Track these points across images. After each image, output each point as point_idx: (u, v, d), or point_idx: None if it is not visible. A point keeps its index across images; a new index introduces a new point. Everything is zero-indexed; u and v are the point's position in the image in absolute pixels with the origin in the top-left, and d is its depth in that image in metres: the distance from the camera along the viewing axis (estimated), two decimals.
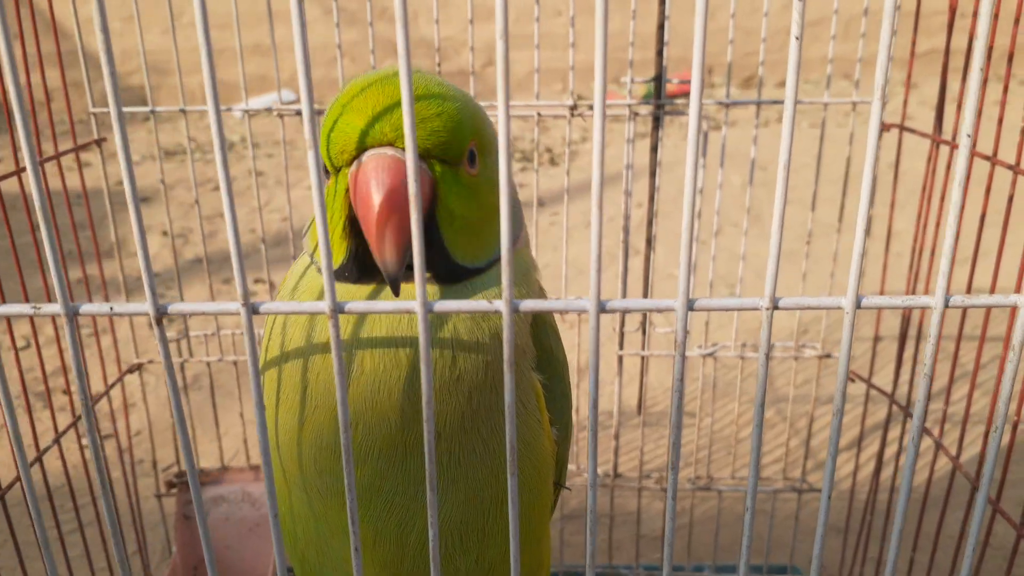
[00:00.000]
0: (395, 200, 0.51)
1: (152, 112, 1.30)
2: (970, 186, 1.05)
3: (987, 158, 0.95)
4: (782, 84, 5.69)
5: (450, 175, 0.57)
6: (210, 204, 3.65)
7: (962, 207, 0.43)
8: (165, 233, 3.32)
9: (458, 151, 0.56)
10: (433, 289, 0.59)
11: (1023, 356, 0.45)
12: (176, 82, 1.30)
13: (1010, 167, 0.91)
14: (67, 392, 2.21)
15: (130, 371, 1.41)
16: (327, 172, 0.58)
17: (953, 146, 0.99)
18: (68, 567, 1.14)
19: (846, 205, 1.27)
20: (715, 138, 4.35)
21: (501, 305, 0.44)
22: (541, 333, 0.70)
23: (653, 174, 1.29)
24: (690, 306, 0.44)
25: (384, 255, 0.52)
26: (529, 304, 0.45)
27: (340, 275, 0.59)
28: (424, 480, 0.61)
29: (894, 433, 1.66)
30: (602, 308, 0.45)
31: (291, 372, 0.62)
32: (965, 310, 1.05)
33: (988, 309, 0.96)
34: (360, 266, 0.58)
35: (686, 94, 4.71)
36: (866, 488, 1.67)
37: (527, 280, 0.66)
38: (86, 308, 0.49)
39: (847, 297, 0.44)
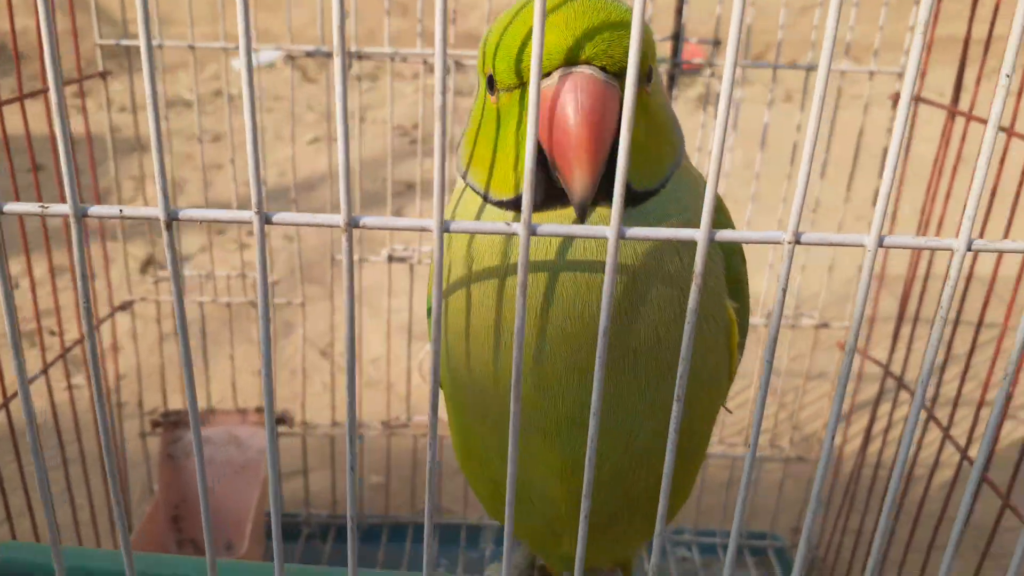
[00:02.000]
0: (594, 124, 0.49)
1: (159, 47, 1.28)
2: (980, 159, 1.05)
3: (1002, 129, 0.95)
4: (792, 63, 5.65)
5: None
6: (207, 155, 3.62)
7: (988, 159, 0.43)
8: None
9: (645, 70, 0.54)
10: (606, 212, 0.54)
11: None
12: (178, 32, 1.28)
13: None
14: (54, 333, 2.19)
15: (121, 308, 1.40)
16: (491, 87, 0.55)
17: (970, 117, 0.98)
18: (51, 503, 1.13)
19: (855, 176, 1.26)
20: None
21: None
22: (733, 259, 0.65)
23: None
24: (711, 237, 0.43)
25: (578, 182, 0.49)
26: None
27: (515, 203, 0.56)
28: (616, 407, 0.59)
29: (885, 408, 1.67)
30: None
31: (478, 300, 0.59)
32: (966, 292, 1.05)
33: (991, 284, 0.96)
34: (544, 192, 0.54)
35: (695, 70, 4.68)
36: (851, 462, 1.68)
37: (698, 201, 0.60)
38: (95, 210, 0.48)
39: (870, 235, 0.43)
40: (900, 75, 1.18)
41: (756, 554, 1.47)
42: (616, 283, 0.56)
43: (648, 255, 0.56)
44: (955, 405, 1.07)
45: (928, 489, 1.13)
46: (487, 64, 0.56)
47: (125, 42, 1.28)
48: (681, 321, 0.57)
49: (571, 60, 0.51)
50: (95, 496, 1.47)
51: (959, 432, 1.80)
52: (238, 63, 1.27)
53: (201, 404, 1.69)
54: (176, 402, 1.76)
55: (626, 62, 0.49)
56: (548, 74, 0.51)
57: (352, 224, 0.45)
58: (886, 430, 1.26)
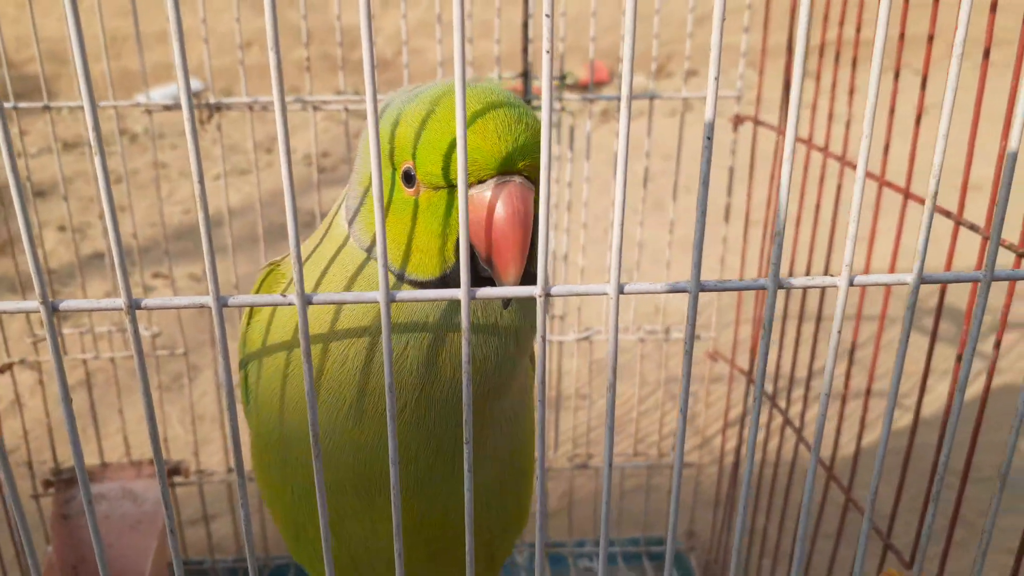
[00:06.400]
0: (527, 228, 0.57)
1: (47, 108, 1.30)
2: (809, 179, 1.18)
3: (820, 149, 1.07)
4: (692, 73, 5.87)
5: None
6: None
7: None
8: (63, 228, 3.23)
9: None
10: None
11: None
12: (69, 70, 1.30)
13: (838, 158, 1.04)
14: None
15: (0, 371, 1.37)
16: (409, 179, 0.61)
17: (811, 147, 1.11)
18: None
19: (733, 191, 1.33)
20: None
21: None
22: None
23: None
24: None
25: (511, 276, 0.58)
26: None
27: (438, 284, 0.63)
28: (460, 463, 0.68)
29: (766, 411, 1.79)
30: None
31: (343, 368, 0.65)
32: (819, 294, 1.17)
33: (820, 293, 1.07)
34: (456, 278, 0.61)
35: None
36: (743, 465, 1.79)
37: None
38: None
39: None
40: (737, 98, 1.28)
41: (654, 559, 1.56)
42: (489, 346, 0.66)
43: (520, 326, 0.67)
44: (804, 403, 1.19)
45: (791, 483, 1.25)
46: (402, 157, 0.61)
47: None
48: (513, 375, 0.69)
49: (505, 170, 0.57)
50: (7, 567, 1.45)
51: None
52: (141, 96, 1.31)
53: (93, 460, 1.63)
54: (68, 461, 1.72)
55: (538, 170, 0.58)
56: (482, 180, 0.58)
57: (222, 304, 0.51)
58: (764, 437, 1.37)
